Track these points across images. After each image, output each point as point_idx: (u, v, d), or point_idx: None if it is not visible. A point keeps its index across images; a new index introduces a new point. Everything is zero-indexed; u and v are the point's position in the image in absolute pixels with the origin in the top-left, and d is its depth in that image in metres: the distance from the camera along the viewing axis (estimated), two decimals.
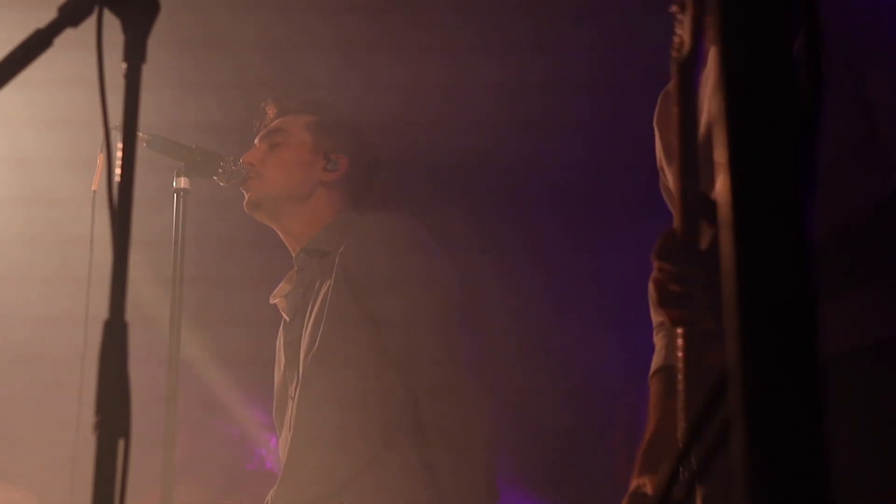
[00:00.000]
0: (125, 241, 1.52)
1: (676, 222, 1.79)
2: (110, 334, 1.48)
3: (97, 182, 3.39)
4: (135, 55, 1.58)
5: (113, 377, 1.47)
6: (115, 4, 1.56)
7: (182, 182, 3.46)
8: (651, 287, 1.93)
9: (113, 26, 1.60)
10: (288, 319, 3.58)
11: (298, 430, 3.37)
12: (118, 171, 1.54)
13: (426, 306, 3.34)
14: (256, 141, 3.70)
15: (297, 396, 3.39)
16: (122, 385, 1.47)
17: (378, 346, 3.30)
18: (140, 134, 3.41)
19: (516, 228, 4.90)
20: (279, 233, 3.64)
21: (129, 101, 1.57)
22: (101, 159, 3.37)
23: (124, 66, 1.58)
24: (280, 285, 3.65)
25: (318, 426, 3.33)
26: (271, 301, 3.66)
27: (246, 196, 3.58)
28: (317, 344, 3.35)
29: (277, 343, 3.67)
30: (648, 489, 1.97)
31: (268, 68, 4.64)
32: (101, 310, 1.54)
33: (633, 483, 2.04)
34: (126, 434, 1.45)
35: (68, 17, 1.57)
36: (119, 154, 1.55)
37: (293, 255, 3.63)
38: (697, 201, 1.74)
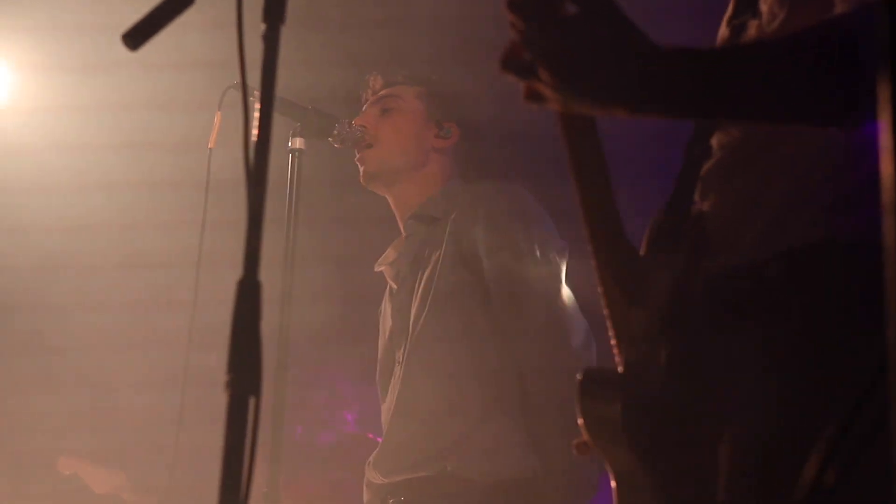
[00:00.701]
0: (261, 201, 1.53)
1: None
2: (244, 293, 1.49)
3: (213, 140, 3.41)
4: (274, 16, 1.58)
5: (245, 336, 1.47)
6: None
7: (297, 142, 3.47)
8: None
9: None
10: (395, 287, 3.60)
11: (405, 395, 3.38)
12: (255, 131, 1.55)
13: (537, 278, 3.32)
14: (365, 107, 3.71)
15: (405, 362, 3.40)
16: (254, 344, 1.47)
17: (488, 316, 3.29)
18: (256, 92, 3.44)
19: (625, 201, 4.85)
20: (390, 200, 3.64)
21: (267, 62, 1.58)
22: (217, 117, 3.39)
23: (263, 26, 1.58)
24: (385, 252, 3.66)
25: (425, 392, 3.34)
26: (377, 269, 3.66)
27: (361, 168, 3.60)
28: (426, 311, 3.36)
29: (381, 310, 3.68)
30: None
31: (381, 40, 4.63)
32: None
33: None
34: (257, 392, 1.46)
35: None
36: (256, 116, 1.56)
37: (400, 222, 3.63)
38: None
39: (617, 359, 1.75)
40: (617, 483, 1.74)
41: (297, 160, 3.45)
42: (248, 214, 1.51)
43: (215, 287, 2.43)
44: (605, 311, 1.75)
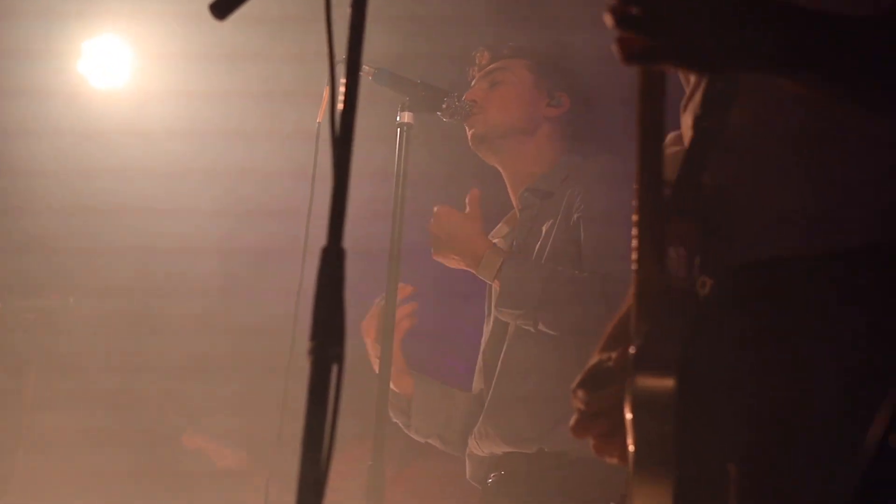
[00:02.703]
0: (345, 169, 1.52)
1: None
2: (328, 261, 1.49)
3: (322, 115, 3.42)
4: None
5: (329, 303, 1.47)
6: None
7: (406, 117, 3.47)
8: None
9: None
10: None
11: (509, 369, 3.38)
12: (341, 100, 1.54)
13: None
14: (473, 83, 3.71)
15: (511, 336, 3.40)
16: (337, 311, 1.47)
17: (599, 293, 3.26)
18: (366, 67, 3.46)
19: None
20: (502, 170, 3.63)
21: (353, 32, 1.57)
22: (326, 92, 3.40)
23: None
24: (498, 226, 3.65)
25: (529, 369, 3.34)
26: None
27: (469, 132, 3.59)
28: None
29: (490, 288, 3.67)
30: (612, 363, 1.89)
31: (491, 14, 4.61)
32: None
33: (596, 357, 1.96)
34: (340, 360, 1.45)
35: None
36: (342, 84, 1.55)
37: (513, 196, 3.61)
38: None
39: (633, 324, 1.73)
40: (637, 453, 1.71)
41: (405, 134, 3.45)
42: (333, 181, 1.51)
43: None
44: (634, 268, 1.71)
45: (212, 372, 5.23)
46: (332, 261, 1.48)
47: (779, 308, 1.81)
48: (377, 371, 3.27)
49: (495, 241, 3.62)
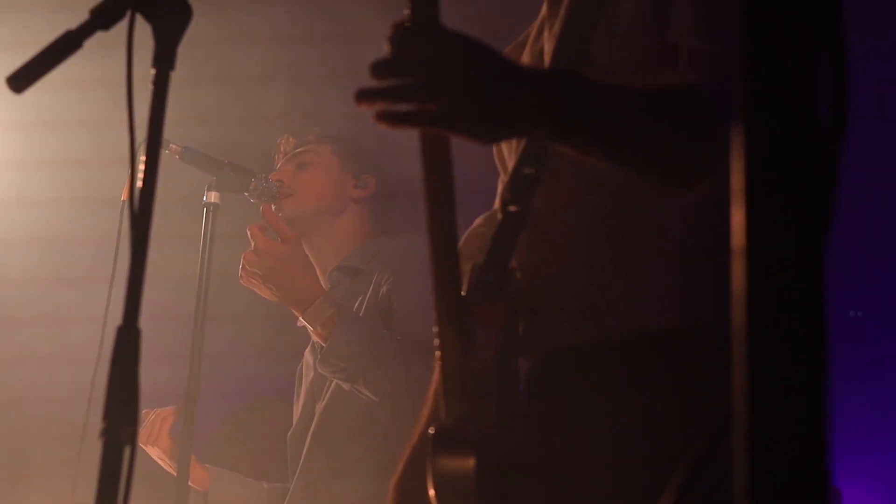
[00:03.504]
0: (143, 248, 1.51)
1: None
2: (123, 340, 1.47)
3: (126, 192, 3.39)
4: (164, 61, 1.57)
5: (123, 383, 1.46)
6: (147, 9, 1.56)
7: (212, 196, 3.47)
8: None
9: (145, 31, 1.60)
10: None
11: (317, 450, 3.37)
12: (140, 177, 1.53)
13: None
14: (280, 165, 3.72)
15: (320, 413, 3.40)
16: (131, 391, 1.45)
17: (420, 358, 3.26)
18: (173, 145, 3.45)
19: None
20: (309, 251, 3.63)
21: (155, 108, 1.56)
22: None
23: (153, 71, 1.57)
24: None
25: (337, 452, 3.33)
26: (299, 325, 3.64)
27: (279, 214, 3.57)
28: None
29: (301, 363, 3.66)
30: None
31: (292, 97, 4.63)
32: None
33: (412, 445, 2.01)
34: (132, 442, 1.44)
35: (100, 20, 1.57)
36: (142, 162, 1.55)
37: (321, 276, 3.61)
38: None
39: (442, 406, 1.75)
40: None
41: (211, 214, 3.43)
42: (131, 261, 1.50)
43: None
44: (439, 354, 1.74)
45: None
46: (127, 340, 1.47)
47: (576, 393, 1.85)
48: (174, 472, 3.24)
49: (303, 323, 3.60)
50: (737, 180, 0.90)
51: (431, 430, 1.74)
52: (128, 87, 1.57)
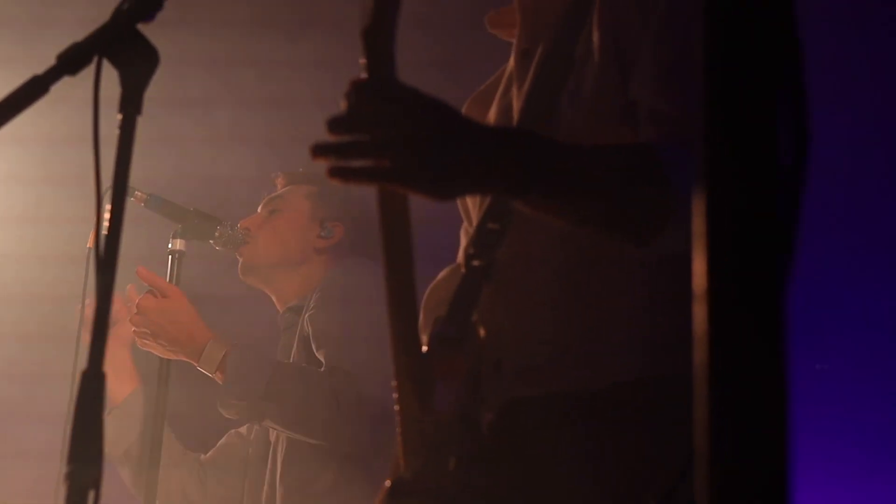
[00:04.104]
0: (108, 294, 1.51)
1: None
2: (87, 385, 1.47)
3: (92, 239, 3.38)
4: (130, 107, 1.57)
5: (86, 427, 1.45)
6: (114, 55, 1.56)
7: (178, 244, 3.47)
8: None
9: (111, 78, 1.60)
10: None
11: (290, 486, 3.35)
12: (106, 225, 1.53)
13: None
14: (259, 209, 3.72)
15: (283, 453, 3.38)
16: (95, 436, 1.45)
17: (328, 388, 3.22)
18: (138, 193, 3.45)
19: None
20: (271, 294, 3.64)
21: (121, 153, 1.56)
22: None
23: (119, 117, 1.57)
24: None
25: (306, 484, 3.31)
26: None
27: (239, 261, 3.60)
28: None
29: None
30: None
31: (278, 124, 4.63)
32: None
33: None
34: (97, 486, 1.43)
35: (67, 66, 1.57)
36: (107, 210, 1.55)
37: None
38: None
39: (400, 461, 1.76)
40: None
41: (177, 261, 3.43)
42: (96, 308, 1.50)
43: None
44: (397, 408, 1.74)
45: None
46: (92, 385, 1.47)
47: (539, 445, 1.86)
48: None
49: None
50: (698, 225, 0.91)
51: (387, 483, 1.74)
52: (94, 132, 1.57)
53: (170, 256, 3.45)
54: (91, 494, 1.42)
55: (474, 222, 1.97)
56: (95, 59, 1.56)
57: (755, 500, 0.85)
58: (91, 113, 1.59)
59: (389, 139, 1.52)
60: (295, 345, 3.43)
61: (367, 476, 3.22)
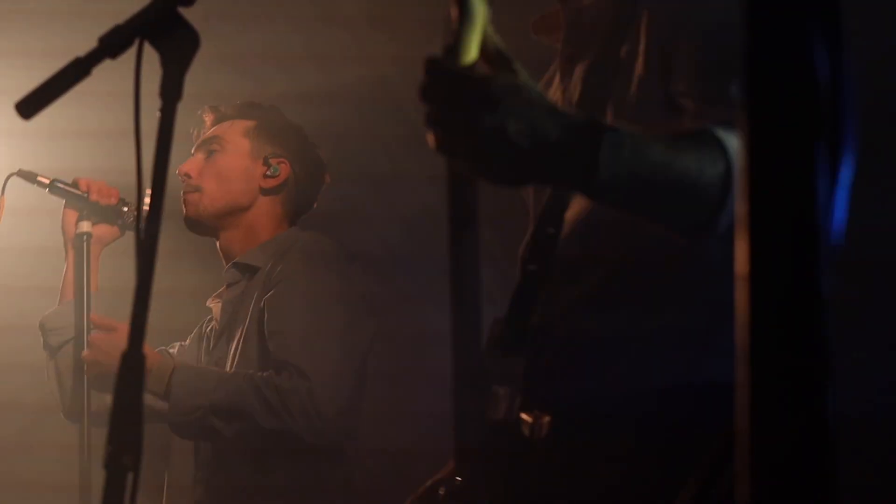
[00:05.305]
0: (149, 276, 1.51)
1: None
2: (127, 366, 1.47)
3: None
4: (171, 91, 1.57)
5: (127, 410, 1.46)
6: (156, 37, 1.56)
7: (84, 226, 3.43)
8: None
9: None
10: (212, 343, 3.40)
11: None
12: (146, 207, 1.54)
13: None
14: (193, 150, 3.47)
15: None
16: (135, 418, 1.46)
17: (273, 390, 3.09)
18: (40, 178, 3.39)
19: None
20: (219, 249, 3.45)
21: (162, 137, 1.56)
22: (1, 202, 3.38)
23: (161, 101, 1.58)
24: (211, 298, 3.50)
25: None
26: (206, 329, 3.49)
27: (184, 211, 3.40)
28: (236, 362, 3.23)
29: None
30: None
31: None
32: None
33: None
34: (136, 468, 1.44)
35: (108, 48, 1.57)
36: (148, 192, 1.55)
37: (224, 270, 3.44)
38: None
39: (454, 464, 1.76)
40: None
41: (86, 244, 3.42)
42: (136, 288, 1.50)
43: None
44: (452, 412, 1.71)
45: None
46: (131, 366, 1.47)
47: (592, 446, 1.86)
48: None
49: (211, 325, 3.45)
50: (741, 208, 0.91)
51: (441, 490, 1.75)
52: (135, 116, 1.58)
53: (76, 239, 3.43)
54: (130, 476, 1.43)
55: (531, 225, 1.97)
56: (137, 42, 1.56)
57: (797, 484, 0.84)
58: (132, 97, 1.59)
59: (446, 116, 1.50)
60: (249, 315, 3.25)
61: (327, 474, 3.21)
